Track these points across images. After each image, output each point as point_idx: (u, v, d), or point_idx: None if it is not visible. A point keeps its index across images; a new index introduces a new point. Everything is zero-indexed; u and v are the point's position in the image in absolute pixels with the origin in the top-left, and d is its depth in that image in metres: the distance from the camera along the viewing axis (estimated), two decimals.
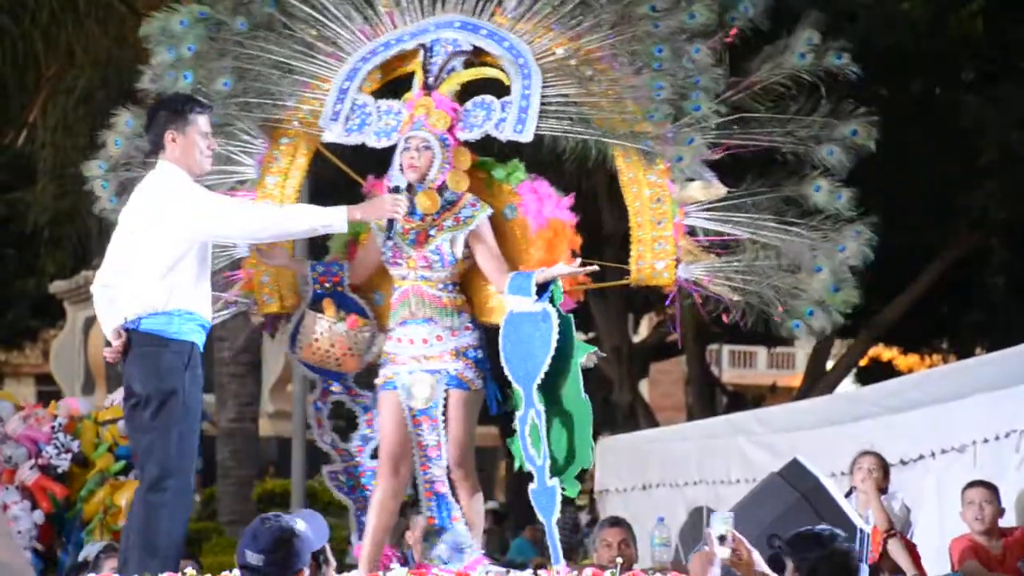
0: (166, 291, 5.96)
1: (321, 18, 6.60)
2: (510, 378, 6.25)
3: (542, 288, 6.20)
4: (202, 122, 6.14)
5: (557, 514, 6.09)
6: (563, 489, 6.14)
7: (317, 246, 7.17)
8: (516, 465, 6.29)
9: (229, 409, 14.46)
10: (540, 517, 6.17)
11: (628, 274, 6.46)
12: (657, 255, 6.35)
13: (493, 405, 6.41)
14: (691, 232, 6.36)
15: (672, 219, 6.32)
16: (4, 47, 11.57)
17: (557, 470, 6.14)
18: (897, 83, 15.07)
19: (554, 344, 6.14)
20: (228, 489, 14.33)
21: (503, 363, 6.23)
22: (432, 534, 6.31)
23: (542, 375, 6.15)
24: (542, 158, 6.60)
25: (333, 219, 6.13)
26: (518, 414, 6.21)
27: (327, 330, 6.38)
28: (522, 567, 6.24)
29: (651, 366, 23.46)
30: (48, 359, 23.25)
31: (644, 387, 23.47)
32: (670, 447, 13.21)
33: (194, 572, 5.62)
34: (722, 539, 4.94)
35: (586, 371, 6.39)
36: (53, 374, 28.50)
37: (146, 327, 5.96)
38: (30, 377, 30.93)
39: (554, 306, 6.18)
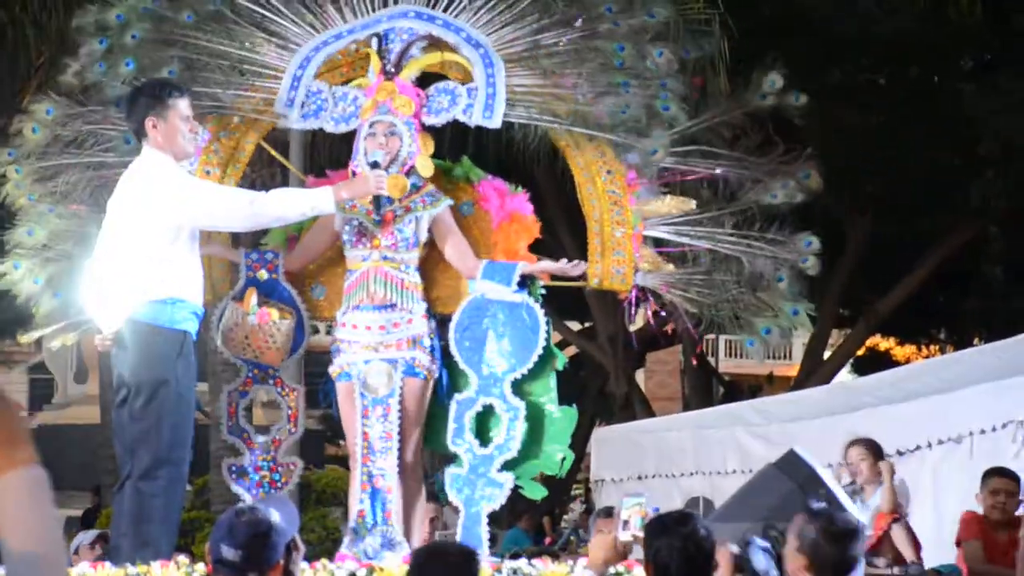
0: (157, 279, 5.92)
1: (269, 14, 6.58)
2: (460, 362, 6.29)
3: (520, 282, 6.26)
4: (182, 106, 6.09)
5: (494, 507, 6.18)
6: (520, 488, 6.24)
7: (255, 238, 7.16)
8: (426, 445, 6.38)
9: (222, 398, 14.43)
10: (458, 502, 6.21)
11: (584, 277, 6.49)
12: (615, 261, 6.38)
13: (442, 391, 6.37)
14: (657, 243, 6.43)
15: (632, 227, 6.37)
16: None
17: (510, 465, 6.20)
18: (895, 71, 15.07)
19: (543, 341, 6.21)
20: (221, 479, 14.32)
21: (454, 345, 6.27)
22: (362, 528, 6.16)
23: (525, 370, 6.22)
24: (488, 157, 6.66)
25: (320, 201, 6.11)
26: (459, 397, 6.27)
27: (240, 321, 6.31)
28: (516, 558, 6.24)
29: (647, 356, 23.47)
30: (40, 347, 23.29)
31: (640, 377, 23.47)
32: (666, 437, 13.23)
33: (187, 561, 5.60)
34: (625, 524, 4.91)
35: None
36: (46, 363, 28.57)
37: (138, 316, 5.91)
38: (22, 366, 30.93)
39: (535, 300, 6.26)
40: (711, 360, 26.54)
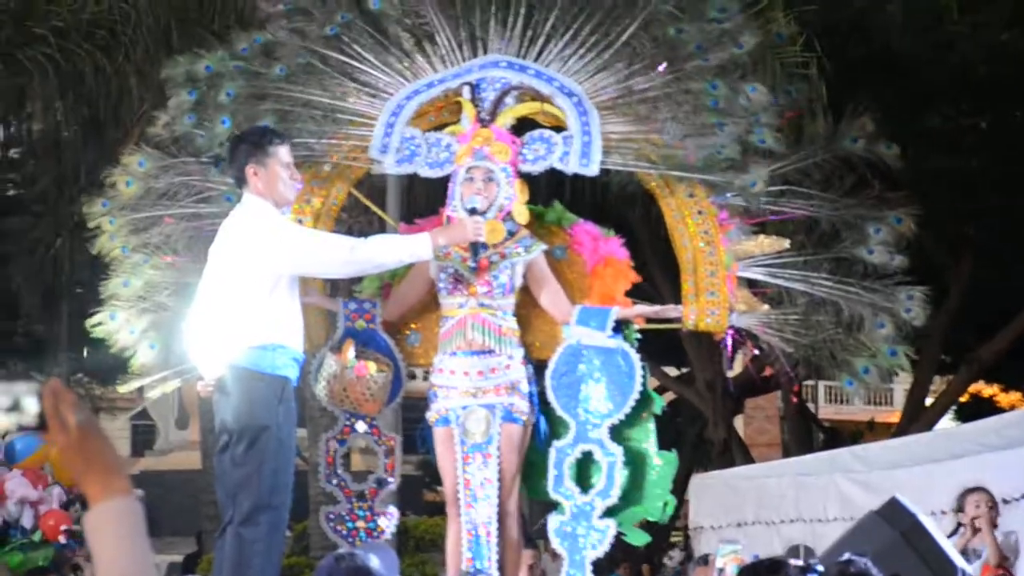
0: (258, 325, 5.93)
1: (359, 64, 6.62)
2: (557, 408, 6.28)
3: (614, 326, 6.25)
4: (283, 152, 6.11)
5: (598, 554, 6.16)
6: (623, 535, 6.22)
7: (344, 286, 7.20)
8: (528, 493, 6.36)
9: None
10: (561, 550, 6.21)
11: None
12: (709, 302, 6.35)
13: (540, 438, 6.36)
14: (751, 284, 6.40)
15: (725, 269, 6.33)
16: (98, 83, 11.74)
17: (612, 512, 6.19)
18: (997, 115, 14.89)
19: (639, 387, 6.20)
20: (320, 524, 14.42)
21: (551, 391, 6.26)
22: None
23: (622, 415, 6.20)
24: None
25: (419, 247, 6.09)
26: (558, 444, 6.25)
27: (339, 374, 6.31)
28: None
29: (745, 401, 23.29)
30: (142, 395, 23.53)
31: (739, 423, 23.28)
32: (766, 484, 13.12)
33: None
34: (721, 572, 4.87)
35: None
36: (147, 410, 28.89)
37: (239, 362, 5.92)
38: (124, 412, 31.30)
39: (631, 345, 6.25)
40: (811, 406, 26.24)
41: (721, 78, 6.30)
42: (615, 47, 6.40)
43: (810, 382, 27.06)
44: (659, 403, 6.34)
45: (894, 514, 6.29)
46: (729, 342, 6.40)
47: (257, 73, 6.64)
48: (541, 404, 6.34)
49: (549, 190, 7.25)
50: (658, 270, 12.98)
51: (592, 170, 6.34)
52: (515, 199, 6.32)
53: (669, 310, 6.34)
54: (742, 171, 6.26)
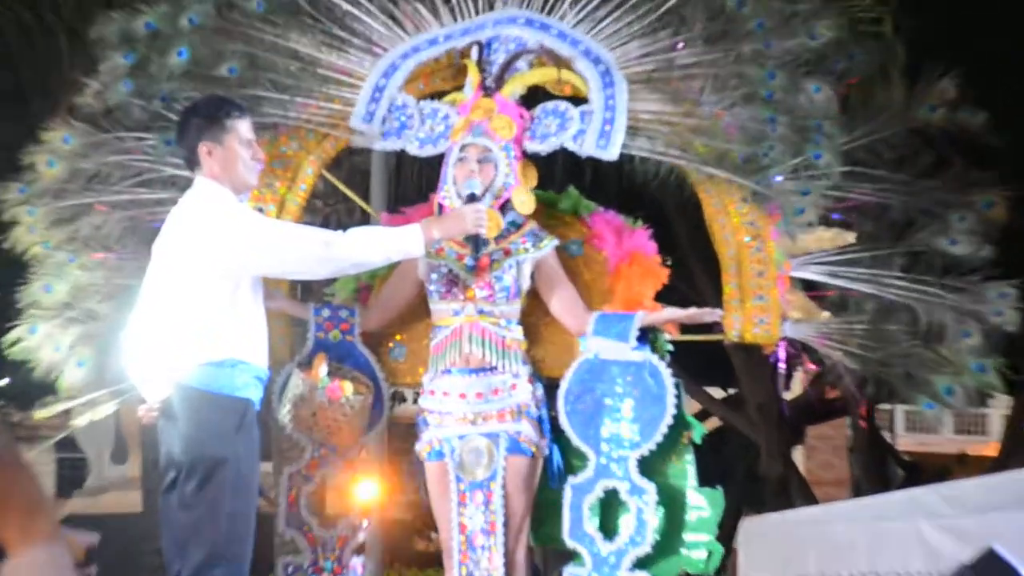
0: (213, 337, 5.92)
1: (353, 10, 6.64)
2: (573, 437, 6.27)
3: (641, 336, 6.25)
4: (242, 128, 6.09)
5: None
6: None
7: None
8: (538, 541, 6.38)
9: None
10: None
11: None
12: (756, 308, 6.37)
13: (553, 473, 6.36)
14: (807, 285, 6.41)
15: (775, 268, 6.35)
16: (22, 45, 11.74)
17: (644, 562, 6.18)
18: None
19: (672, 409, 6.19)
20: None
21: (565, 416, 6.27)
22: None
23: (653, 445, 6.19)
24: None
25: (409, 242, 6.03)
26: (575, 481, 6.25)
27: (307, 396, 6.31)
28: None
29: (807, 430, 23.30)
30: (69, 420, 23.56)
31: (798, 456, 23.29)
32: (832, 530, 13.12)
33: None
34: None
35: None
36: (77, 440, 28.91)
37: (191, 381, 5.90)
38: (48, 443, 31.29)
39: (661, 358, 6.24)
40: (887, 435, 26.25)
41: (782, 68, 6.31)
42: (661, 10, 6.41)
43: (886, 406, 27.09)
44: (699, 430, 6.34)
45: (991, 568, 6.29)
46: (782, 357, 6.40)
47: (230, 3, 6.63)
48: (554, 432, 6.35)
49: (566, 172, 7.24)
50: (699, 268, 12.99)
51: (611, 153, 6.36)
52: (517, 184, 6.32)
53: (705, 314, 6.30)
54: (788, 182, 6.25)
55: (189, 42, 6.58)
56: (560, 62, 6.52)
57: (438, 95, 6.68)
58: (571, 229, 6.62)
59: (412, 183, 10.62)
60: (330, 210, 11.61)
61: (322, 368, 6.34)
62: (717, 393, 19.97)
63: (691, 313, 6.29)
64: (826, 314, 6.43)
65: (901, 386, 6.49)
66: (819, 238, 6.40)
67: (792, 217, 6.29)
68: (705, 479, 6.36)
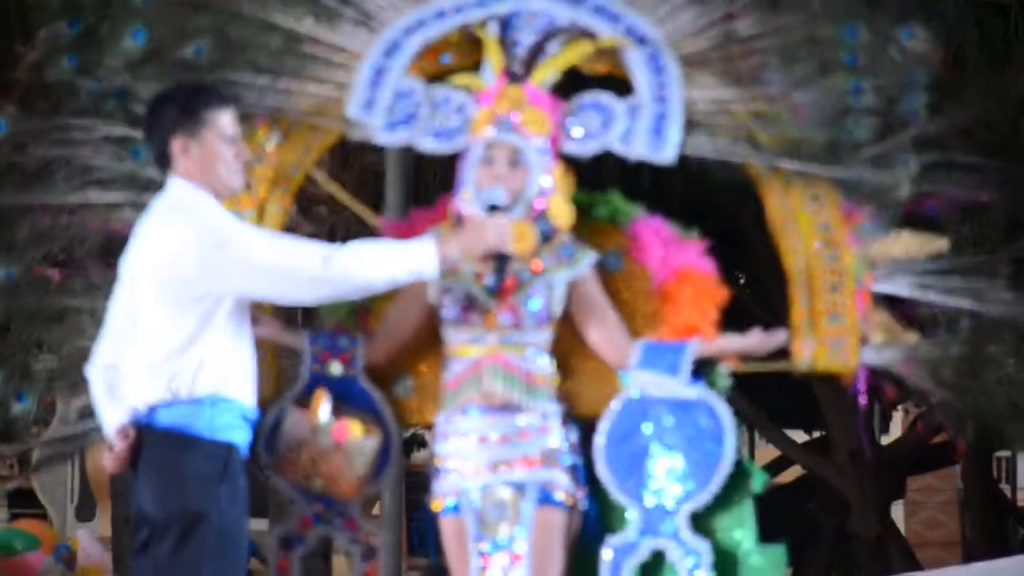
0: (190, 370, 5.86)
1: None
2: (612, 488, 6.26)
3: (695, 369, 6.22)
4: (223, 121, 5.99)
5: None
6: None
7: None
8: None
9: (269, 545, 14.56)
10: None
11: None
12: (831, 330, 6.32)
13: (590, 530, 6.32)
14: (890, 301, 6.34)
15: (854, 280, 6.31)
16: None
17: None
18: None
19: (730, 453, 6.18)
20: None
21: (605, 464, 6.25)
22: None
23: (707, 496, 6.17)
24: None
25: (420, 260, 5.94)
26: (615, 541, 6.24)
27: (306, 438, 6.30)
28: None
29: (908, 481, 23.27)
30: (24, 470, 23.64)
31: (899, 512, 23.28)
32: None
33: None
34: None
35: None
36: (36, 492, 29.00)
37: (164, 421, 5.86)
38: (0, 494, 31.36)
39: (719, 395, 6.22)
40: (1005, 488, 26.20)
41: (863, 19, 6.25)
42: None
43: (1004, 453, 26.96)
44: (759, 478, 6.28)
45: None
46: (862, 389, 6.40)
47: None
48: (590, 482, 6.35)
49: (613, 170, 7.22)
50: (779, 291, 13.03)
51: (668, 155, 6.32)
52: (552, 192, 6.30)
53: (767, 340, 6.26)
54: (880, 163, 6.21)
55: (144, 19, 6.50)
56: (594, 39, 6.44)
57: (439, 76, 6.58)
58: (609, 239, 6.53)
59: (434, 187, 10.54)
60: (336, 218, 11.52)
61: (324, 406, 6.32)
62: (799, 436, 19.93)
63: (754, 341, 6.26)
64: (914, 336, 6.37)
65: (1008, 422, 6.42)
66: (905, 243, 6.34)
67: (888, 193, 6.24)
68: (770, 532, 6.29)
